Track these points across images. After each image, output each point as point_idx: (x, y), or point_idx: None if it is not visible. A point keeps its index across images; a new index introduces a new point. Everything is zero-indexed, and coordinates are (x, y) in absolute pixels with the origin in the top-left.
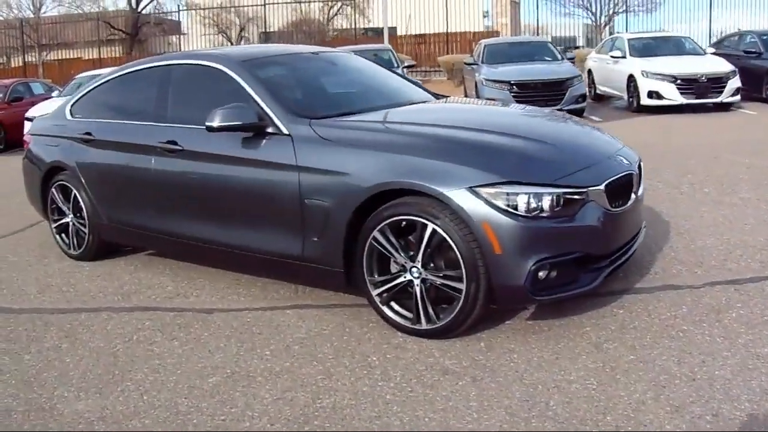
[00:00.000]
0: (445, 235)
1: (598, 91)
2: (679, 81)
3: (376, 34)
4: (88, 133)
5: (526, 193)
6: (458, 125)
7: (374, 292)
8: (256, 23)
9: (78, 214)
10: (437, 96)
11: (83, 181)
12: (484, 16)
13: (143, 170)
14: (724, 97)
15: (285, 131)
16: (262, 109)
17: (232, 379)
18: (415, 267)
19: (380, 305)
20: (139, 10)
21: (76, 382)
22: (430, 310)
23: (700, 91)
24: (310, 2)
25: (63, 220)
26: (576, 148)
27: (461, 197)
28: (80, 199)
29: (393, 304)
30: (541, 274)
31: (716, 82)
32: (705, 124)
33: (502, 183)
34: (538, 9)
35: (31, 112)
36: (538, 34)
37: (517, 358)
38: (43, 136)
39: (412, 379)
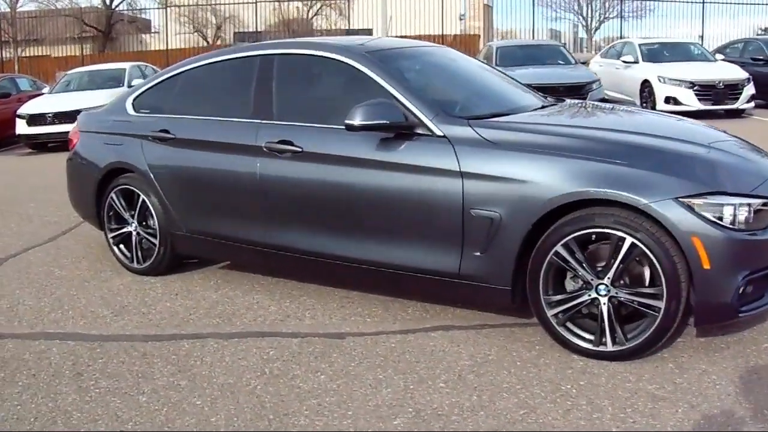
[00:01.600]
0: (645, 249)
1: (605, 96)
2: (696, 87)
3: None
4: (165, 131)
5: (731, 204)
6: (629, 130)
7: (550, 312)
8: (233, 22)
9: (144, 223)
10: (545, 97)
11: (157, 185)
12: (460, 19)
13: (244, 174)
14: (740, 104)
15: (438, 132)
16: (405, 107)
17: (422, 419)
18: (603, 284)
19: (556, 326)
20: (112, 7)
21: None
22: (618, 331)
23: (718, 97)
24: (289, 2)
25: (123, 230)
26: (749, 157)
27: (668, 208)
28: (150, 206)
29: (570, 324)
30: (746, 289)
31: (733, 89)
32: (725, 129)
33: (709, 193)
34: (534, 12)
35: (23, 109)
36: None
37: (718, 379)
38: (98, 134)
39: (627, 408)
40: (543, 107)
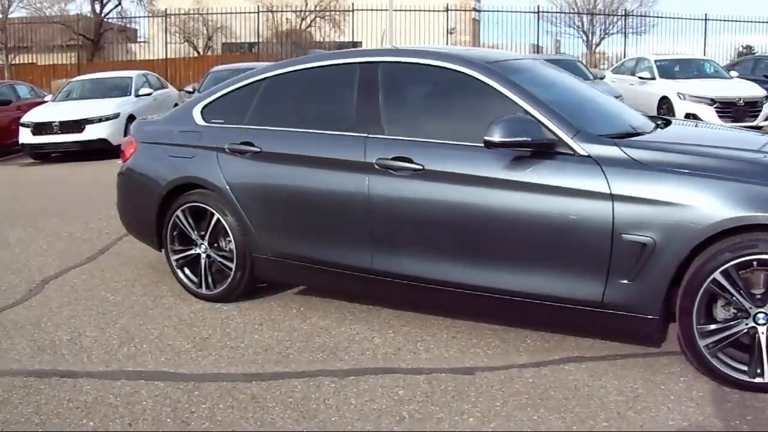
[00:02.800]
0: None
1: None
2: (717, 104)
3: (349, 48)
4: (248, 143)
5: None
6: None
7: (703, 343)
8: (224, 33)
9: (216, 245)
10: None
11: (237, 203)
12: (450, 33)
13: (348, 193)
14: (760, 121)
15: (582, 152)
16: (542, 123)
17: None
18: (763, 312)
19: (708, 357)
20: (102, 15)
21: None
22: None
23: (738, 114)
24: (281, 12)
25: (190, 252)
26: None
27: None
28: (226, 226)
29: (721, 354)
30: None
31: (753, 106)
32: None
33: None
34: (537, 25)
35: (27, 118)
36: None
37: None
38: (161, 145)
39: None
40: (663, 125)
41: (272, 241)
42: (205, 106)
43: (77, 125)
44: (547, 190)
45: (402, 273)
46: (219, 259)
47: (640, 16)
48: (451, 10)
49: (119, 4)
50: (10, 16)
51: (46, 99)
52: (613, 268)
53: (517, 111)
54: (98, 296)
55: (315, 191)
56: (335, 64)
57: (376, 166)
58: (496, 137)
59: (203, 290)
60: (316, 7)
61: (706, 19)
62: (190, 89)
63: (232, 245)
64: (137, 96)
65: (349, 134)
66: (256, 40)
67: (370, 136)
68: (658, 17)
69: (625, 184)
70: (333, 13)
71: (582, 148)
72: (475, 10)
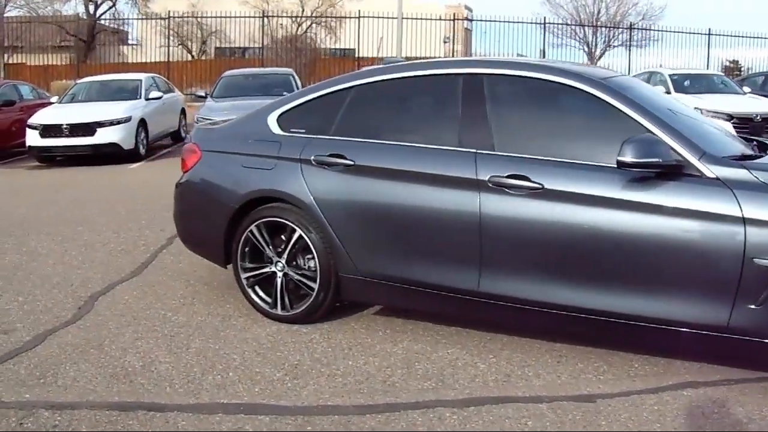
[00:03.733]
0: None
1: None
2: (734, 119)
3: (343, 54)
4: (338, 156)
5: None
6: None
7: None
8: (218, 37)
9: (294, 263)
10: None
11: (325, 219)
12: (445, 42)
13: (456, 211)
14: None
15: (710, 174)
16: (668, 144)
17: None
18: None
19: None
20: (96, 16)
21: None
22: None
23: (755, 130)
24: (278, 17)
25: (264, 270)
26: None
27: None
28: (310, 243)
29: None
30: None
31: None
32: None
33: None
34: (543, 36)
35: (35, 119)
36: None
37: None
38: (233, 155)
39: None
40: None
41: (363, 260)
42: (282, 113)
43: (88, 128)
44: (676, 212)
45: (512, 296)
46: (299, 278)
47: (646, 29)
48: (460, 19)
49: (113, 5)
50: (4, 15)
51: (51, 100)
52: (742, 292)
53: (638, 131)
54: (158, 315)
55: (416, 208)
56: (434, 75)
57: (490, 184)
58: (629, 158)
59: (278, 311)
60: (314, 13)
61: (709, 34)
62: (202, 94)
63: (315, 264)
64: (147, 99)
65: (456, 149)
66: (251, 45)
67: (479, 151)
68: (662, 31)
69: (758, 208)
70: (329, 19)
71: (709, 170)
72: (484, 20)
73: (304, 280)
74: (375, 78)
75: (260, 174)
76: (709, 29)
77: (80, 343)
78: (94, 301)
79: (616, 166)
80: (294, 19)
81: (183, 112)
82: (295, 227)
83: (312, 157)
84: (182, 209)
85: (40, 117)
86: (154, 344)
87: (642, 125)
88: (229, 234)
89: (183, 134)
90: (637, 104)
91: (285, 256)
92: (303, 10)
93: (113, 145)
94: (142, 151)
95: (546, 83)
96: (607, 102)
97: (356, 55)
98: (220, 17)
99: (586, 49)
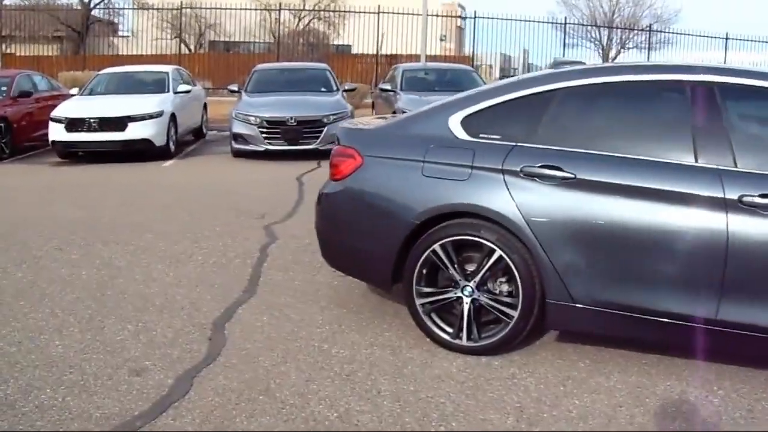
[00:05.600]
0: None
1: None
2: None
3: (340, 51)
4: (553, 167)
5: None
6: None
7: None
8: (215, 30)
9: (484, 287)
10: None
11: (536, 239)
12: (442, 40)
13: (700, 233)
14: None
15: None
16: None
17: None
18: None
19: None
20: (90, 7)
21: None
22: None
23: None
24: (279, 10)
25: (446, 295)
26: None
27: None
28: (512, 265)
29: None
30: None
31: None
32: None
33: None
34: (564, 36)
35: (59, 112)
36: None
37: None
38: (406, 161)
39: None
40: None
41: (579, 284)
42: (468, 116)
43: (119, 123)
44: None
45: (755, 324)
46: (493, 303)
47: (664, 32)
48: (477, 17)
49: None
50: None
51: (71, 92)
52: None
53: None
54: (311, 347)
55: (646, 228)
56: (656, 80)
57: (741, 204)
58: None
59: (462, 342)
60: (323, 6)
61: (726, 38)
62: (234, 88)
63: (517, 288)
64: (175, 93)
65: (697, 165)
66: (252, 40)
67: (724, 168)
68: (680, 33)
69: None
70: (330, 14)
71: None
72: (500, 18)
73: (500, 306)
74: (583, 81)
75: (450, 186)
76: (727, 33)
77: (239, 387)
78: (222, 330)
79: None
80: (295, 13)
81: (205, 106)
82: (495, 247)
83: (519, 168)
84: (335, 223)
85: (65, 110)
86: (333, 387)
87: None
88: (402, 253)
89: (204, 130)
90: None
91: (476, 279)
92: (304, 5)
93: (145, 141)
94: (173, 148)
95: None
96: None
97: (352, 52)
98: (229, 9)
99: (601, 51)
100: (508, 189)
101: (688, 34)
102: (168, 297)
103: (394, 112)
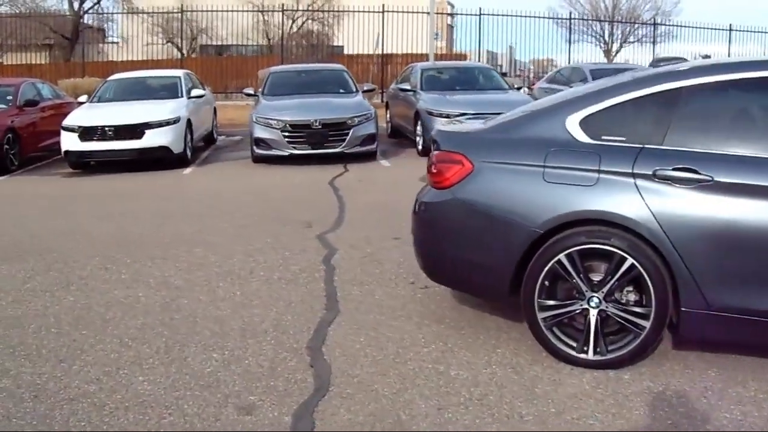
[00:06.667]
0: None
1: None
2: None
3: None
4: (689, 170)
5: None
6: None
7: None
8: (207, 34)
9: (611, 297)
10: None
11: (672, 245)
12: (435, 38)
13: None
14: None
15: None
16: None
17: None
18: None
19: None
20: (81, 13)
21: None
22: None
23: None
24: (282, 11)
25: (572, 307)
26: None
27: None
28: (644, 273)
29: None
30: None
31: None
32: None
33: None
34: (569, 33)
35: (71, 121)
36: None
37: None
38: (525, 167)
39: None
40: None
41: (718, 291)
42: (585, 118)
43: (136, 130)
44: None
45: None
46: (623, 314)
47: (669, 25)
48: (484, 14)
49: (98, 2)
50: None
51: (80, 99)
52: None
53: None
54: (425, 370)
55: None
56: None
57: None
58: None
59: (589, 355)
60: (319, 6)
61: (730, 30)
62: (251, 91)
63: (648, 297)
64: (189, 98)
65: None
66: (246, 43)
67: None
68: (682, 26)
69: None
70: (324, 15)
71: None
72: (505, 15)
73: (630, 317)
74: (710, 79)
75: (577, 192)
76: (730, 25)
77: (368, 421)
78: (320, 355)
79: None
80: (288, 14)
81: (215, 111)
82: (626, 255)
83: (652, 172)
84: (440, 235)
85: (78, 118)
86: (471, 414)
87: None
88: (522, 264)
89: (215, 136)
90: None
91: (604, 289)
92: (298, 5)
93: (163, 149)
94: (189, 155)
95: None
96: None
97: (344, 52)
98: (231, 11)
99: (603, 45)
100: (640, 194)
101: (692, 27)
102: (245, 319)
103: (417, 113)
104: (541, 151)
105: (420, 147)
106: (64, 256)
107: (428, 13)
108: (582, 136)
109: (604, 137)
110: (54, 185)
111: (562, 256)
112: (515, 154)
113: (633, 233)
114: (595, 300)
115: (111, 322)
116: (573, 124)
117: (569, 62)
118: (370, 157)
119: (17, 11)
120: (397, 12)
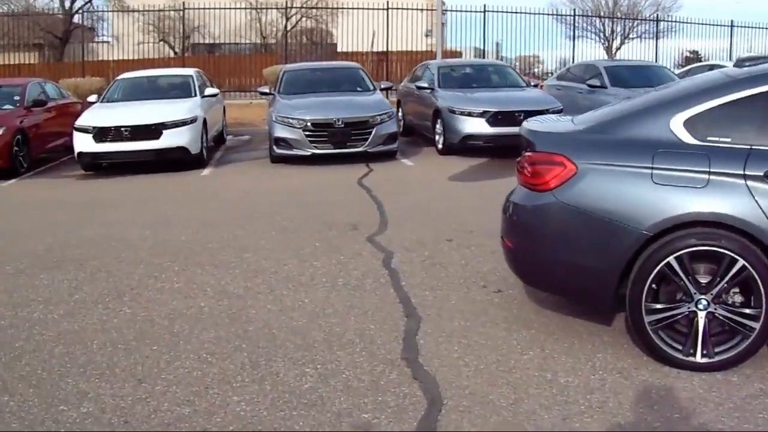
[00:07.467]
0: None
1: None
2: None
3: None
4: None
5: None
6: None
7: None
8: (201, 32)
9: (719, 299)
10: None
11: None
12: (427, 36)
13: None
14: None
15: None
16: None
17: None
18: None
19: None
20: (72, 12)
21: None
22: None
23: None
24: (285, 8)
25: (680, 310)
26: None
27: None
28: (755, 275)
29: None
30: None
31: None
32: None
33: None
34: (572, 28)
35: (84, 121)
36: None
37: None
38: (632, 168)
39: None
40: None
41: None
42: (689, 118)
43: (153, 131)
44: None
45: None
46: (732, 316)
47: (669, 21)
48: (489, 11)
49: (89, 1)
50: None
51: (90, 99)
52: None
53: None
54: (533, 378)
55: None
56: None
57: None
58: None
59: (696, 358)
60: (313, 3)
61: (732, 26)
62: (266, 90)
63: (759, 299)
64: (203, 97)
65: None
66: (242, 41)
67: None
68: (684, 22)
69: None
70: (320, 12)
71: None
72: (510, 12)
73: (739, 319)
74: None
75: (687, 194)
76: (732, 20)
77: None
78: (418, 365)
79: None
80: (282, 12)
81: (224, 110)
82: (737, 257)
83: (764, 173)
84: (540, 238)
85: (91, 118)
86: (597, 422)
87: None
88: (628, 268)
89: (225, 135)
90: None
91: (713, 291)
92: (292, 3)
93: (181, 150)
94: (205, 155)
95: None
96: None
97: (337, 50)
98: (232, 8)
99: (605, 42)
100: (752, 195)
101: (694, 23)
102: (325, 329)
103: (436, 111)
104: (648, 153)
105: (440, 146)
106: (106, 265)
107: (424, 9)
108: (687, 138)
109: (709, 138)
110: (70, 189)
111: (671, 259)
112: (620, 155)
113: (743, 234)
114: (704, 302)
115: (180, 336)
116: (677, 125)
117: (573, 60)
118: (390, 156)
119: (9, 10)
120: (400, 9)
